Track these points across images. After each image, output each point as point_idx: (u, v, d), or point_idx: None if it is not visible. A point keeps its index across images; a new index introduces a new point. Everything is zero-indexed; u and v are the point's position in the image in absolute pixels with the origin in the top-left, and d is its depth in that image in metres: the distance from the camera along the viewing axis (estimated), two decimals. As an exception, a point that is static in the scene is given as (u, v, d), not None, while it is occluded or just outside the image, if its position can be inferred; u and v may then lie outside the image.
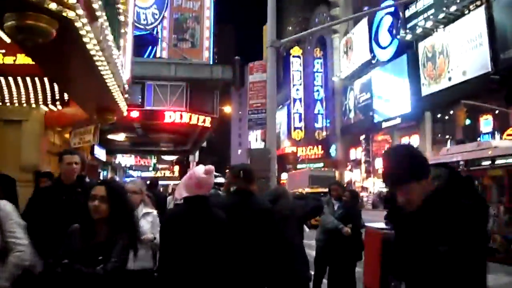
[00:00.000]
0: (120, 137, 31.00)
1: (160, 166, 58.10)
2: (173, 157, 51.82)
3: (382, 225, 8.60)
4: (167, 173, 57.82)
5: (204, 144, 58.96)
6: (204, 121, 22.53)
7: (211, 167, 4.18)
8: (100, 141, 29.04)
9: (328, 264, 8.37)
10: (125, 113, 13.21)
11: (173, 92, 22.14)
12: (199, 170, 4.07)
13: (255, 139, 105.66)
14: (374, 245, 8.05)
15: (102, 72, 8.10)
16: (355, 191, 11.32)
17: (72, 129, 14.76)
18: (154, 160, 51.97)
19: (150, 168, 53.16)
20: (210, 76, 22.42)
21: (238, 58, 23.88)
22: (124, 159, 42.45)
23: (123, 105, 11.87)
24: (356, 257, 8.45)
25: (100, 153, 28.80)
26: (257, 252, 4.54)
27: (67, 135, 14.86)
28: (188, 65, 23.02)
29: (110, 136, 30.13)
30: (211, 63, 25.08)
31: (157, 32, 25.92)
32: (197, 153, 39.21)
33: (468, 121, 28.80)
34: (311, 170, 44.57)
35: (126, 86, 12.16)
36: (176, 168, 59.66)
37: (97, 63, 7.49)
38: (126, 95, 12.18)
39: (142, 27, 23.65)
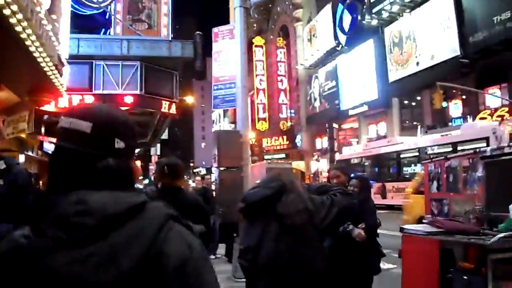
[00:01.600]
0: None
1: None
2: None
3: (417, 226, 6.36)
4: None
5: (166, 136, 57.01)
6: (169, 107, 19.94)
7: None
8: (49, 134, 26.87)
9: (335, 282, 5.00)
10: (65, 95, 11.11)
11: (126, 73, 19.37)
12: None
13: (218, 122, 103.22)
14: (426, 259, 5.42)
15: (26, 42, 6.10)
16: (364, 177, 8.41)
17: (4, 118, 12.61)
18: None
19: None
20: (168, 54, 19.69)
21: (199, 33, 21.26)
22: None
23: (59, 84, 9.78)
24: (373, 269, 6.11)
25: (51, 147, 26.39)
26: None
27: (-1, 124, 12.65)
28: (142, 41, 20.09)
29: (62, 128, 27.80)
30: (170, 39, 22.01)
31: (109, 13, 23.41)
32: (158, 146, 36.91)
33: (444, 104, 27.69)
34: (267, 163, 40.66)
35: (64, 61, 10.14)
36: (137, 164, 57.47)
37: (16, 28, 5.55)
38: (65, 70, 10.05)
39: (93, 5, 21.19)
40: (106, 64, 19.19)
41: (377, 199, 30.35)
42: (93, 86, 19.12)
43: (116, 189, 1.37)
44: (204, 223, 4.36)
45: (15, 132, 12.21)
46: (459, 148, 23.32)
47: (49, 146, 25.21)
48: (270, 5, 66.88)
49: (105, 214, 1.28)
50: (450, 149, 24.32)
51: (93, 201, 1.30)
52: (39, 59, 7.56)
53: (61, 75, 9.84)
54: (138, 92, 19.14)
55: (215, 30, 10.81)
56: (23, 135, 19.79)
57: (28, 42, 6.53)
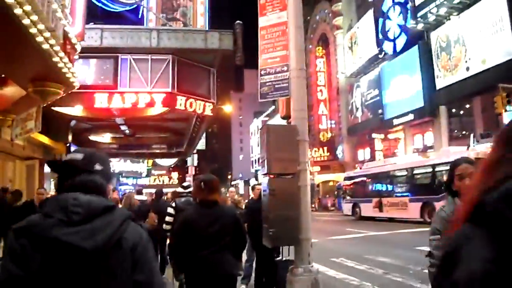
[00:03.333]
0: (106, 138, 27.15)
1: (156, 172, 53.84)
2: (169, 162, 47.97)
3: None
4: (166, 180, 53.89)
5: (203, 145, 55.46)
6: (203, 108, 17.35)
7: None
8: (80, 142, 25.40)
9: None
10: (76, 84, 9.39)
11: (155, 69, 17.10)
12: None
13: (256, 133, 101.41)
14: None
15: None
16: None
17: (14, 118, 10.99)
18: (146, 164, 47.24)
19: (143, 174, 48.54)
20: (204, 46, 17.05)
21: (239, 22, 18.31)
22: (113, 165, 38.14)
23: (68, 71, 8.00)
24: None
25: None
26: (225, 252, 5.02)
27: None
28: (174, 31, 17.54)
29: (92, 138, 26.33)
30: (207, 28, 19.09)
31: (142, 13, 21.70)
32: (195, 157, 35.19)
33: (508, 108, 25.23)
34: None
35: (78, 45, 8.38)
36: (175, 175, 55.83)
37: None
38: (82, 63, 8.29)
39: (125, 1, 19.43)
40: (133, 58, 17.06)
41: (375, 213, 33.64)
42: (118, 83, 17.05)
43: (96, 194, 2.23)
44: (240, 234, 5.30)
45: (23, 132, 10.65)
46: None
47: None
48: (309, 18, 65.12)
49: (89, 208, 2.14)
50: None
51: (83, 199, 2.15)
52: (32, 30, 5.81)
53: (71, 61, 8.15)
54: (169, 90, 16.89)
55: (261, 1, 8.49)
56: (33, 135, 18.44)
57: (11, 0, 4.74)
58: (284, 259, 9.37)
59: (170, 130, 24.59)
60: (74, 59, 9.01)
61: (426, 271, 4.00)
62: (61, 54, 7.36)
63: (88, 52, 16.03)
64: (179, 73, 17.10)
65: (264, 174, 7.72)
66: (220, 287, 5.05)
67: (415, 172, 30.62)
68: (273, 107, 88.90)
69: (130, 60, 16.92)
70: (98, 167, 2.31)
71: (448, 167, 3.97)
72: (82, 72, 16.54)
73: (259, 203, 8.40)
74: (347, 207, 39.35)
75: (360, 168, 51.72)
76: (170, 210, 9.05)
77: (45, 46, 6.63)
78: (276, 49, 8.26)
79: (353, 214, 37.61)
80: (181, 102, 16.15)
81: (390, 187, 33.49)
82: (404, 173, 32.08)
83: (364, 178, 37.72)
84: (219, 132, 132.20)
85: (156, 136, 27.03)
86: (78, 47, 9.13)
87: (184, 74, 17.29)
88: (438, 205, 12.86)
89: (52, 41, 6.69)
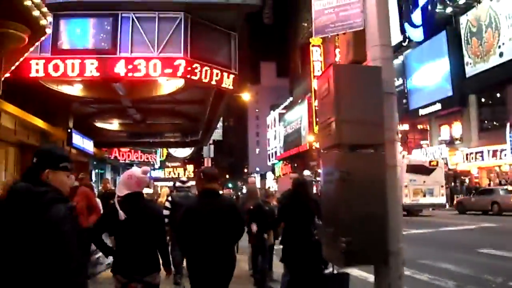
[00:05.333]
0: (113, 125, 24.37)
1: (169, 164, 50.90)
2: (184, 153, 45.19)
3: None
4: (181, 173, 51.09)
5: (219, 135, 52.54)
6: (221, 78, 13.80)
7: (147, 168, 5.38)
8: (85, 129, 22.70)
9: None
10: (48, 31, 6.64)
11: (164, 29, 13.46)
12: (137, 171, 5.06)
13: (273, 126, 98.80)
14: None
15: None
16: None
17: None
18: (159, 156, 44.13)
19: (156, 166, 45.47)
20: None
21: None
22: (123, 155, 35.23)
23: (36, 9, 5.22)
24: None
25: (86, 145, 22.07)
26: (222, 238, 5.23)
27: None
28: None
29: (99, 124, 23.56)
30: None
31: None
32: (211, 148, 32.26)
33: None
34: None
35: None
36: (190, 168, 53.01)
37: None
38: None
39: None
40: (136, 17, 13.42)
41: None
42: (118, 47, 13.40)
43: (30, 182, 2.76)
44: (237, 222, 5.49)
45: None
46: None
47: (80, 141, 20.92)
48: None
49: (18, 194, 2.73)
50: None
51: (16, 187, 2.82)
52: None
53: None
54: (181, 55, 13.26)
55: None
56: (26, 118, 15.67)
57: None
58: (336, 271, 6.67)
59: (184, 115, 21.68)
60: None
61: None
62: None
63: (79, 10, 13.53)
64: (193, 35, 13.52)
65: (325, 149, 4.81)
66: (219, 269, 5.24)
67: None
68: (290, 98, 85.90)
69: (132, 18, 13.14)
70: (34, 160, 2.89)
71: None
72: (73, 34, 13.91)
73: (299, 197, 7.12)
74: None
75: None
76: (167, 204, 9.81)
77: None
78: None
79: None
80: (195, 69, 12.97)
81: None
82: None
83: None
84: (236, 126, 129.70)
85: (169, 123, 24.11)
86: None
87: (199, 38, 13.64)
88: None
89: None
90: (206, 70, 13.30)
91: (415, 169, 28.94)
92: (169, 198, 9.99)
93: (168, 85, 16.00)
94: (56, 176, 2.87)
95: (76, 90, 16.19)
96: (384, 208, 4.35)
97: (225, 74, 13.86)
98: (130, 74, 13.07)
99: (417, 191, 28.58)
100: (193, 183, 10.49)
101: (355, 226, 4.25)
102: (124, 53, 13.19)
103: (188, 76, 13.02)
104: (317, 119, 61.78)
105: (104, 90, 15.92)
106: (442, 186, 29.71)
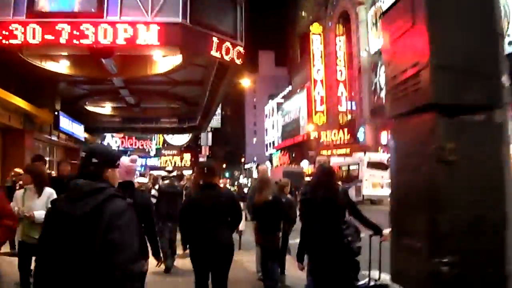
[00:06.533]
0: (106, 109, 22.62)
1: (166, 152, 48.88)
2: (181, 141, 43.20)
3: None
4: (178, 161, 49.20)
5: (219, 123, 50.85)
6: (226, 50, 11.79)
7: (135, 156, 5.82)
8: (75, 113, 20.87)
9: None
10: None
11: None
12: (125, 160, 5.06)
13: (271, 116, 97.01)
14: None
15: None
16: None
17: None
18: (154, 143, 42.02)
19: (152, 153, 43.42)
20: None
21: None
22: (115, 141, 33.19)
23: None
24: None
25: (75, 129, 20.30)
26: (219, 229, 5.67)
27: None
28: None
29: (90, 108, 21.80)
30: None
31: None
32: (209, 135, 30.55)
33: None
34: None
35: None
36: (187, 156, 51.21)
37: None
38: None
39: None
40: None
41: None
42: (104, 10, 11.31)
43: (91, 179, 2.96)
44: (236, 212, 6.07)
45: None
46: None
47: (68, 125, 19.12)
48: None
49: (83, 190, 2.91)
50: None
51: (80, 183, 2.95)
52: None
53: None
54: (178, 20, 11.20)
55: None
56: (7, 98, 13.96)
57: None
58: (373, 283, 5.49)
59: (181, 98, 19.92)
60: None
61: None
62: None
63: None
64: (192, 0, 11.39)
65: (398, 117, 3.08)
66: (219, 255, 5.63)
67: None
68: (290, 87, 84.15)
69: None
70: (95, 160, 3.08)
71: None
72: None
73: (328, 188, 5.52)
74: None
75: (384, 152, 47.31)
76: (153, 192, 10.37)
77: None
78: None
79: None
80: (196, 37, 11.01)
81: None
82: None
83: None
84: (233, 115, 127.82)
85: (165, 107, 22.31)
86: None
87: (199, 1, 11.63)
88: None
89: None
90: (209, 39, 11.41)
91: (374, 165, 33.74)
92: (156, 187, 10.61)
93: (164, 63, 14.24)
94: (114, 174, 3.23)
95: (62, 67, 14.44)
96: (502, 209, 2.68)
97: (230, 46, 11.98)
98: (119, 42, 11.14)
99: (376, 184, 32.93)
100: (184, 172, 10.30)
101: (460, 238, 2.58)
102: (112, 16, 11.29)
103: (188, 45, 11.15)
104: (316, 109, 60.44)
105: (93, 67, 14.14)
106: None
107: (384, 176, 31.90)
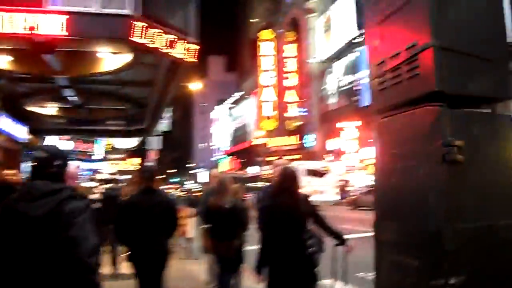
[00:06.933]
0: (50, 110, 21.50)
1: (113, 156, 47.27)
2: (129, 145, 41.82)
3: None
4: (125, 166, 47.83)
5: (170, 126, 49.35)
6: (179, 46, 10.93)
7: (77, 162, 5.04)
8: (15, 112, 19.55)
9: None
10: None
11: None
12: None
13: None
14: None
15: None
16: None
17: None
18: (100, 145, 40.22)
19: (99, 157, 41.70)
20: None
21: None
22: (61, 143, 31.61)
23: None
24: None
25: (17, 130, 19.17)
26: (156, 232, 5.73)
27: None
28: None
29: (32, 108, 20.66)
30: None
31: None
32: (159, 139, 29.65)
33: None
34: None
35: None
36: (135, 161, 49.90)
37: None
38: None
39: None
40: None
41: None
42: None
43: (52, 181, 2.97)
44: (172, 218, 6.00)
45: None
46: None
47: (9, 125, 18.00)
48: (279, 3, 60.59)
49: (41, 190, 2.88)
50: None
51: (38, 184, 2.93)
52: None
53: None
54: (127, 12, 10.14)
55: None
56: None
57: None
58: None
59: (130, 99, 19.03)
60: None
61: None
62: None
63: None
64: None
65: (380, 111, 2.61)
66: (153, 260, 5.67)
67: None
68: (240, 92, 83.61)
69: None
70: (57, 162, 3.12)
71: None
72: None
73: (289, 194, 4.97)
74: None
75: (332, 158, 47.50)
76: (94, 196, 10.18)
77: None
78: None
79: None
80: (148, 31, 10.10)
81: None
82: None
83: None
84: (182, 120, 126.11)
85: (112, 108, 21.34)
86: None
87: None
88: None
89: None
90: (162, 34, 10.60)
91: (311, 173, 35.61)
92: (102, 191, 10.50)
93: (112, 60, 13.44)
94: (71, 175, 3.52)
95: (2, 62, 13.47)
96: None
97: (184, 43, 11.22)
98: (59, 33, 10.15)
99: (315, 192, 32.75)
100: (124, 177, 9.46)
101: (468, 255, 2.13)
102: (53, 6, 10.32)
103: (139, 40, 10.27)
104: (265, 115, 60.22)
105: (36, 64, 13.21)
106: (335, 187, 37.81)
107: (320, 183, 34.58)
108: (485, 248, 2.12)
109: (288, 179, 5.05)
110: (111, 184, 10.92)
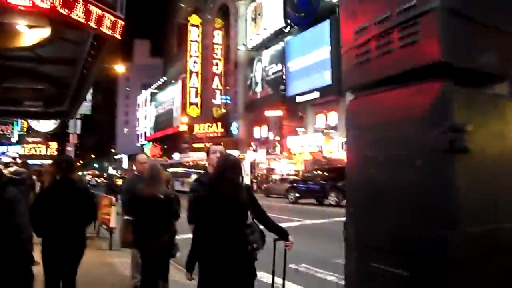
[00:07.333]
0: (-41, 86, 19.79)
1: (30, 140, 44.89)
2: (47, 127, 39.88)
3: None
4: (43, 150, 45.60)
5: (89, 110, 47.69)
6: (99, 21, 9.79)
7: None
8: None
9: None
10: None
11: None
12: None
13: (144, 106, 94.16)
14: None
15: None
16: None
17: None
18: (18, 128, 38.26)
19: (14, 140, 39.50)
20: None
21: None
22: None
23: None
24: None
25: None
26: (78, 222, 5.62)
27: None
28: None
29: None
30: None
31: None
32: (78, 123, 28.32)
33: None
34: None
35: None
36: (53, 145, 47.69)
37: None
38: None
39: None
40: None
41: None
42: None
43: None
44: (91, 207, 5.82)
45: None
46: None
47: None
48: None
49: None
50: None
51: None
52: None
53: None
54: None
55: None
56: None
57: None
58: None
59: (49, 78, 17.76)
60: None
61: None
62: None
63: None
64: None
65: (358, 88, 2.14)
66: (72, 250, 5.53)
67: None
68: (164, 78, 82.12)
69: None
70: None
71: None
72: None
73: (228, 184, 4.37)
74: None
75: (256, 146, 47.44)
76: None
77: None
78: None
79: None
80: (65, 5, 9.15)
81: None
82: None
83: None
84: (104, 104, 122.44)
85: (30, 88, 19.94)
86: None
87: None
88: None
89: None
90: (85, 5, 9.73)
91: None
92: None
93: (30, 35, 12.34)
94: None
95: None
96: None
97: (110, 17, 10.39)
98: None
99: None
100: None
101: (474, 264, 1.72)
102: None
103: (60, 10, 9.31)
104: (190, 101, 59.30)
105: None
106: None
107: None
108: (493, 255, 1.73)
109: (229, 167, 4.52)
110: (13, 168, 9.52)
